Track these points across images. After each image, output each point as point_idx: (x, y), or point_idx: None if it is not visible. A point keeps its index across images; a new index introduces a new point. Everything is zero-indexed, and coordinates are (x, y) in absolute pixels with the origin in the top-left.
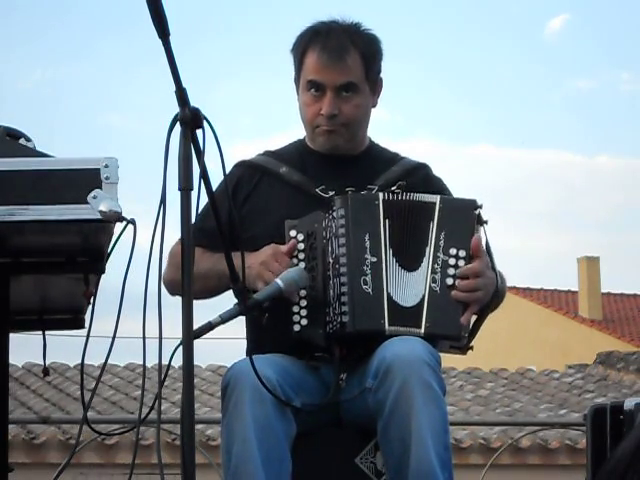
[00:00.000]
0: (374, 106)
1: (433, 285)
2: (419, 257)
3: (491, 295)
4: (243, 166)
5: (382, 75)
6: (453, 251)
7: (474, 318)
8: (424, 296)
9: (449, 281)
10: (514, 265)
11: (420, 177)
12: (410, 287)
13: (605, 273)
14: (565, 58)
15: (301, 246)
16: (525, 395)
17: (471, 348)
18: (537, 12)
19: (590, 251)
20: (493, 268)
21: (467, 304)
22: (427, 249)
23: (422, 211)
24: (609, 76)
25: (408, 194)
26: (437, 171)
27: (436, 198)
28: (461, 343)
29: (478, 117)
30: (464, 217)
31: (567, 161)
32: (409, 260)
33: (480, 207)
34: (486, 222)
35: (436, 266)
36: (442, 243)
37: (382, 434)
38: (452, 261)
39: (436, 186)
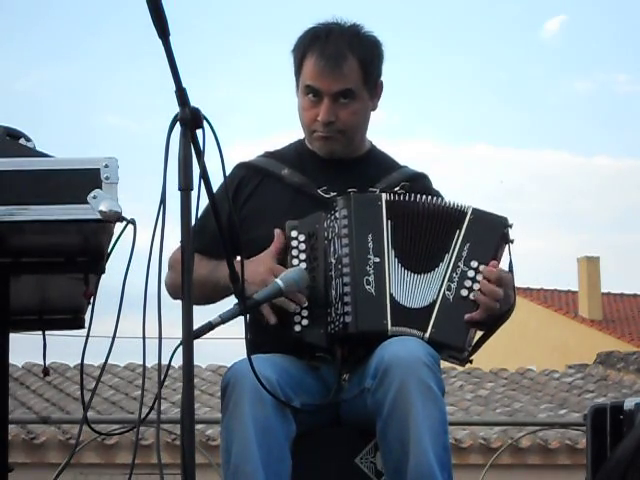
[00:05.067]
0: (374, 110)
1: (447, 293)
2: (434, 261)
3: (502, 312)
4: (244, 167)
5: (383, 78)
6: (474, 264)
7: (479, 333)
8: (435, 301)
9: (464, 292)
10: (514, 265)
11: (419, 187)
12: (418, 289)
13: (605, 273)
14: (562, 59)
15: (302, 247)
16: (525, 395)
17: (470, 362)
18: (534, 13)
19: (590, 251)
20: (513, 288)
21: (478, 307)
22: (447, 256)
23: (450, 217)
24: (606, 77)
25: (435, 198)
26: (436, 173)
27: (469, 208)
28: (462, 355)
29: (476, 118)
30: (492, 233)
31: (566, 161)
32: (417, 262)
33: (510, 226)
34: (512, 241)
35: (454, 275)
36: (465, 254)
37: (381, 435)
38: (471, 273)
39: None
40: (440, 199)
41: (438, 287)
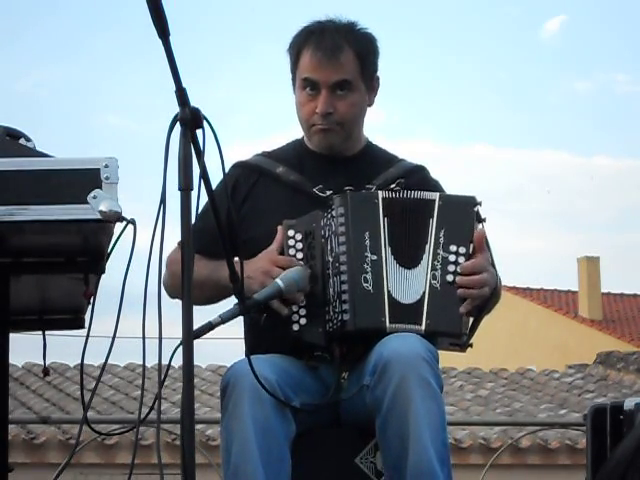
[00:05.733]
0: (370, 105)
1: (433, 282)
2: (419, 254)
3: (491, 291)
4: (240, 167)
5: (379, 74)
6: (453, 248)
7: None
8: (424, 293)
9: (449, 278)
10: (514, 265)
11: (417, 179)
12: (410, 284)
13: (605, 273)
14: (562, 59)
15: (299, 245)
16: (525, 395)
17: (471, 345)
18: (534, 13)
19: (590, 251)
20: (493, 265)
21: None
22: (427, 246)
23: (422, 208)
24: (605, 78)
25: (407, 192)
26: (435, 173)
27: (435, 195)
28: (461, 340)
29: (476, 118)
30: (464, 214)
31: (565, 162)
32: (408, 257)
33: (479, 204)
34: (484, 220)
35: (436, 263)
36: (442, 240)
37: (380, 431)
38: (452, 258)
39: (433, 189)
40: (416, 192)
41: (424, 278)
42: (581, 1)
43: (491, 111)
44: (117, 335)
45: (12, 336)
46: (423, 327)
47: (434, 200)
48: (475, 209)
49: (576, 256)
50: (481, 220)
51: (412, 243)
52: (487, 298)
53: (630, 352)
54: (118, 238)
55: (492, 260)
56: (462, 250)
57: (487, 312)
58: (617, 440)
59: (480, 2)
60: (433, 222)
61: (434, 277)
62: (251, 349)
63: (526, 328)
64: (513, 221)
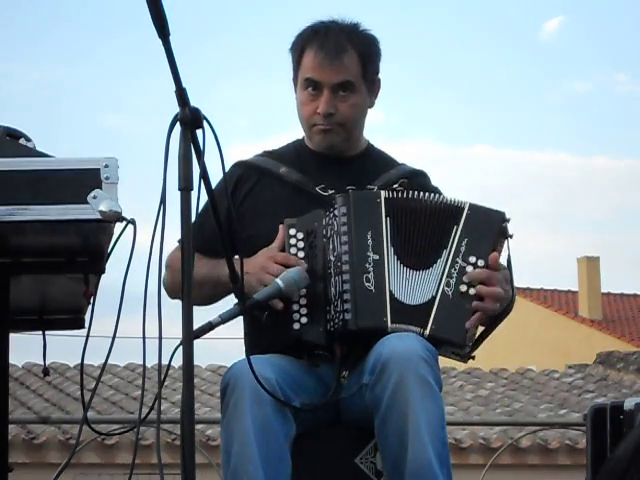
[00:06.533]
0: (371, 107)
1: (446, 289)
2: (432, 257)
3: (503, 308)
4: (242, 166)
5: (380, 76)
6: (472, 259)
7: (481, 329)
8: (434, 297)
9: (463, 288)
10: (514, 265)
11: (418, 184)
12: (417, 286)
13: (605, 273)
14: (561, 60)
15: (301, 244)
16: (525, 395)
17: (472, 357)
18: (533, 14)
19: (590, 251)
20: (511, 284)
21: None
22: (445, 251)
23: (447, 213)
24: (605, 78)
25: (435, 195)
26: (435, 177)
27: (465, 203)
28: (463, 351)
29: (475, 118)
30: (490, 227)
31: (565, 162)
32: (416, 259)
33: (508, 221)
34: (511, 236)
35: (452, 271)
36: (463, 249)
37: (379, 430)
38: (469, 269)
39: None
40: (438, 195)
41: (437, 283)
42: (580, 1)
43: (491, 111)
44: (117, 335)
45: (12, 336)
46: (428, 331)
47: (463, 208)
48: (503, 225)
49: (576, 256)
50: (507, 236)
51: (423, 245)
52: (497, 315)
53: (630, 352)
54: (118, 238)
55: (511, 279)
56: (481, 263)
57: (494, 328)
58: (617, 440)
59: (480, 2)
60: (458, 229)
61: (448, 284)
62: (251, 349)
63: (526, 328)
64: (513, 221)
